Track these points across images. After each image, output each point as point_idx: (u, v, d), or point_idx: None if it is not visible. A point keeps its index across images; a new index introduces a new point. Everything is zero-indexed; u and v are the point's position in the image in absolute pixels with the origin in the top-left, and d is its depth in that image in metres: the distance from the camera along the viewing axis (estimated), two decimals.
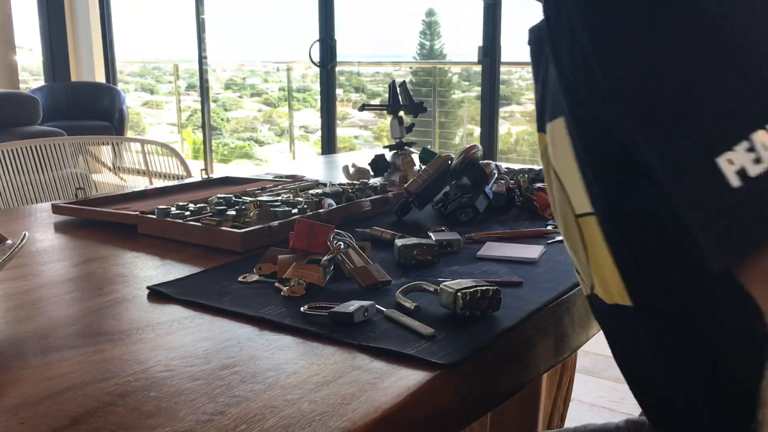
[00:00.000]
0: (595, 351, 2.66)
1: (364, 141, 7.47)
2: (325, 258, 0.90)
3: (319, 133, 5.39)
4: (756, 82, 0.47)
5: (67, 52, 6.49)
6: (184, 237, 1.12)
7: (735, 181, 0.46)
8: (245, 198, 1.28)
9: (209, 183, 1.58)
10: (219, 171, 1.81)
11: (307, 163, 2.27)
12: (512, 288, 0.89)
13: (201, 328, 0.77)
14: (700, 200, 0.48)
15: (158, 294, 0.88)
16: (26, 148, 2.17)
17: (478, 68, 4.39)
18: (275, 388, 0.63)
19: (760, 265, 0.46)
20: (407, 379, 0.65)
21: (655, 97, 0.50)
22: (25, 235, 0.86)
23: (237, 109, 9.02)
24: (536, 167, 1.66)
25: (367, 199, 1.29)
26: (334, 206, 1.22)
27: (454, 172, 1.26)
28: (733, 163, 0.46)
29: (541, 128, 0.73)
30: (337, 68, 5.02)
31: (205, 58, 6.14)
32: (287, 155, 7.79)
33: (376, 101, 5.98)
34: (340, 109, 6.29)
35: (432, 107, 5.78)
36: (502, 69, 4.49)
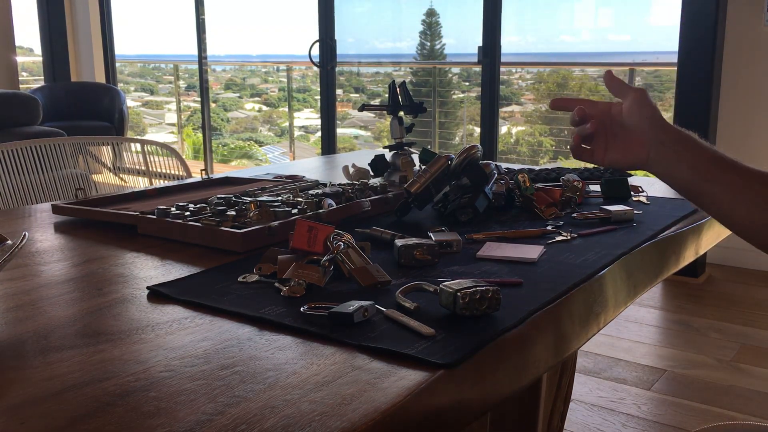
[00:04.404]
0: (595, 351, 2.66)
1: (364, 141, 7.47)
2: (325, 258, 0.90)
3: (319, 133, 5.39)
4: None
5: (67, 52, 6.49)
6: (184, 237, 1.12)
7: None
8: (245, 198, 1.28)
9: (209, 183, 1.58)
10: (219, 171, 1.81)
11: (307, 163, 2.27)
12: (512, 288, 0.89)
13: (201, 328, 0.77)
14: None
15: (158, 294, 0.88)
16: (26, 148, 2.17)
17: (478, 68, 4.39)
18: (275, 388, 0.63)
19: None
20: (407, 379, 0.65)
21: None
22: (25, 235, 0.86)
23: (237, 109, 9.02)
24: (536, 167, 1.66)
25: (367, 199, 1.29)
26: (334, 206, 1.22)
27: (454, 172, 1.26)
28: None
29: None
30: (337, 68, 5.02)
31: (205, 58, 6.14)
32: (287, 155, 7.80)
33: (376, 101, 5.98)
34: (340, 109, 6.30)
35: (432, 107, 5.78)
36: (502, 69, 4.50)
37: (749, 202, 0.89)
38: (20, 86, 6.32)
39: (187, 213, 1.18)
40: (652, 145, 0.94)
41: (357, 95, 7.20)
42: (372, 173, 1.53)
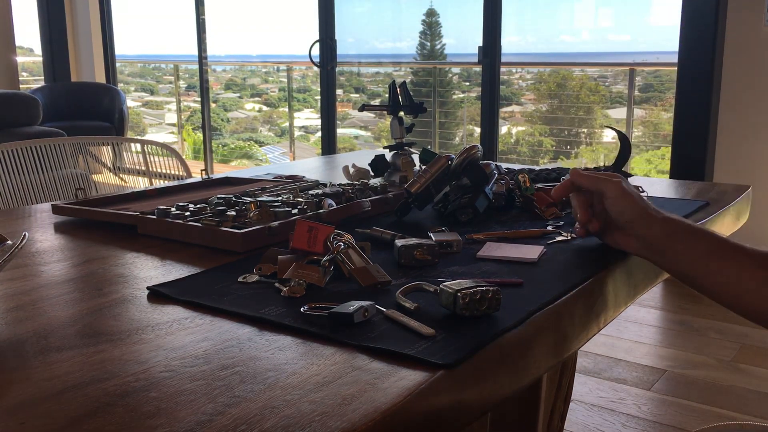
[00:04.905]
0: (595, 351, 2.66)
1: (364, 141, 7.47)
2: (325, 258, 0.90)
3: (319, 133, 5.39)
4: None
5: (67, 52, 6.49)
6: (184, 237, 1.12)
7: None
8: (245, 198, 1.28)
9: (209, 183, 1.58)
10: (219, 171, 1.81)
11: (307, 163, 2.27)
12: (512, 288, 0.88)
13: (201, 328, 0.77)
14: None
15: (158, 294, 0.88)
16: (26, 148, 2.17)
17: (478, 68, 4.39)
18: (275, 389, 0.63)
19: None
20: (407, 379, 0.65)
21: None
22: (25, 235, 0.86)
23: (237, 109, 9.03)
24: (536, 167, 1.66)
25: (367, 199, 1.29)
26: (334, 206, 1.22)
27: (454, 172, 1.26)
28: None
29: None
30: (337, 68, 5.02)
31: (206, 58, 6.14)
32: (287, 155, 7.80)
33: (376, 101, 5.99)
34: (340, 109, 6.30)
35: (432, 107, 5.78)
36: (502, 69, 4.50)
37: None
38: (20, 86, 6.33)
39: (187, 213, 1.18)
40: (639, 242, 0.95)
41: (357, 95, 7.21)
42: (372, 173, 1.53)
